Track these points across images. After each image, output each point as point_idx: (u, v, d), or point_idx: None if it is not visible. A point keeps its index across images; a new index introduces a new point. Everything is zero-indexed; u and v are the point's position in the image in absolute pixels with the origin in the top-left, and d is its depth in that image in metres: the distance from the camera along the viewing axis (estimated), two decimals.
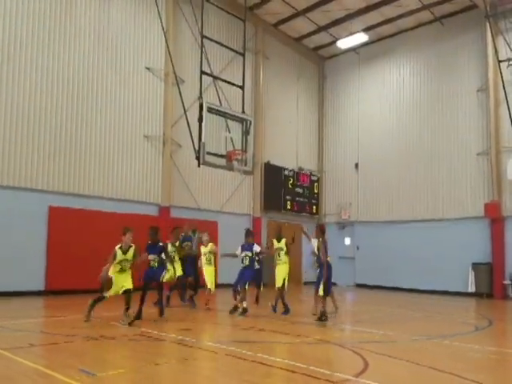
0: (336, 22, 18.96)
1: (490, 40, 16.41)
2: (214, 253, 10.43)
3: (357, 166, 20.57)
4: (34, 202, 12.34)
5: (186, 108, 13.82)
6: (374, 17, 18.44)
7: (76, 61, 13.49)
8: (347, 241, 20.60)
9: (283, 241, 10.24)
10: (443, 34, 18.34)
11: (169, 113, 15.41)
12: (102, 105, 14.01)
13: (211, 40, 14.58)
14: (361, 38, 19.02)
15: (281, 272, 10.02)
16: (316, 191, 21.50)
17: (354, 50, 20.48)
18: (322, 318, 8.54)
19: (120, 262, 7.99)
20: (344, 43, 19.49)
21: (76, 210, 13.07)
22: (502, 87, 15.88)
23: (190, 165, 14.65)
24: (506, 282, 15.88)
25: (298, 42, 20.73)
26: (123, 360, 5.62)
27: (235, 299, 9.86)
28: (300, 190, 20.57)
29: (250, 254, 9.83)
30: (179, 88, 13.90)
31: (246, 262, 9.80)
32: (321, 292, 8.69)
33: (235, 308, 9.67)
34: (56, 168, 12.90)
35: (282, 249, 10.14)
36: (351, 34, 18.80)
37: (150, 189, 15.07)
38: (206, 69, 14.31)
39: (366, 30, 18.91)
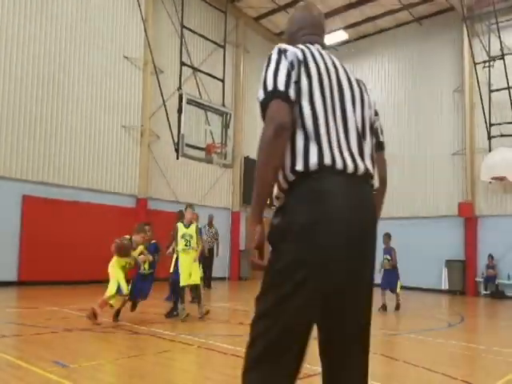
0: None
1: (466, 42, 16.70)
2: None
3: None
4: (7, 190, 12.03)
5: (165, 99, 13.69)
6: (354, 15, 18.53)
7: (52, 48, 13.15)
8: None
9: None
10: (421, 35, 18.58)
11: (147, 103, 15.20)
12: (78, 93, 13.72)
13: (191, 31, 14.46)
14: (341, 35, 19.11)
15: None
16: None
17: (333, 47, 20.56)
18: (399, 308, 10.35)
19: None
20: (324, 40, 19.52)
21: (50, 200, 12.79)
22: (477, 89, 16.25)
23: (169, 157, 14.51)
24: (478, 279, 16.28)
25: (278, 36, 20.68)
26: (98, 352, 5.53)
27: None
28: None
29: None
30: (158, 78, 13.75)
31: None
32: (398, 290, 10.56)
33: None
34: (30, 156, 12.59)
35: None
36: (332, 31, 18.86)
37: (127, 180, 14.87)
38: (185, 60, 14.22)
39: (346, 28, 19.00)
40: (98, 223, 13.49)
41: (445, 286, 16.70)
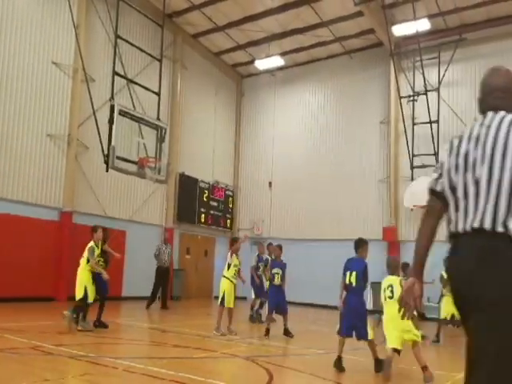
0: (254, 43, 19.31)
1: (393, 77, 17.69)
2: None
3: (270, 184, 20.93)
4: None
5: (96, 109, 13.12)
6: (289, 43, 19.04)
7: None
8: None
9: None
10: (352, 67, 19.46)
11: (76, 112, 14.49)
12: (0, 98, 12.82)
13: (126, 41, 14.04)
14: (277, 61, 19.51)
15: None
16: (231, 206, 21.47)
17: (270, 72, 20.98)
18: (290, 334, 9.00)
19: None
20: (261, 64, 19.86)
21: None
22: (402, 121, 17.23)
23: (98, 169, 13.87)
24: None
25: (217, 56, 20.79)
26: (14, 375, 5.00)
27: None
28: (215, 204, 20.40)
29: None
30: (89, 87, 13.17)
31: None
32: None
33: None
34: None
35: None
36: (268, 56, 19.23)
37: (51, 191, 13.94)
38: (119, 70, 13.76)
39: (283, 54, 19.43)
40: (18, 236, 12.55)
41: (370, 306, 17.16)
